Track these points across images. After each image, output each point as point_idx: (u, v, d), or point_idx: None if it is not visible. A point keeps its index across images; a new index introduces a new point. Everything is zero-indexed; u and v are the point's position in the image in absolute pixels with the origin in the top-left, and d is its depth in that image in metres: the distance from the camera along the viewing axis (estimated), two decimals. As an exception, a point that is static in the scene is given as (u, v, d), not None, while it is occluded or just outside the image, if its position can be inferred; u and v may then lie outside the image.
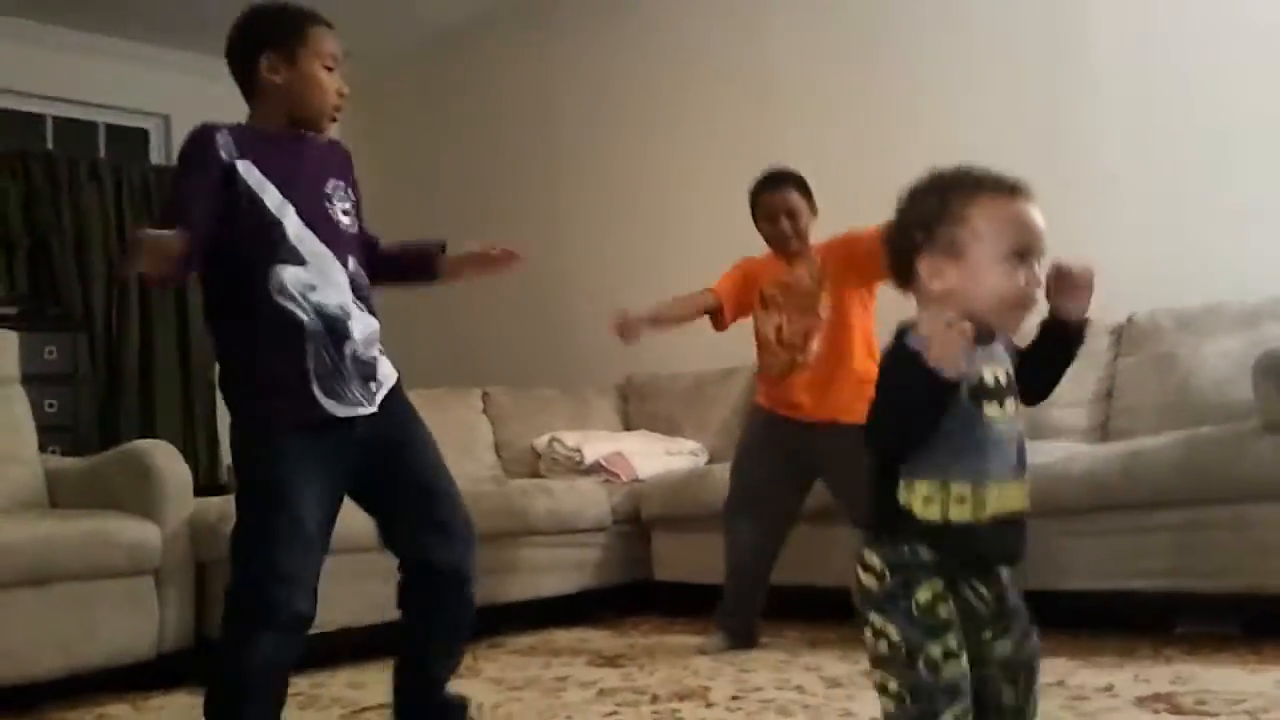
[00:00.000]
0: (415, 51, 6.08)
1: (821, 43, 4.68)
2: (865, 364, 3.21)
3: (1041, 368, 1.49)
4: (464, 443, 4.55)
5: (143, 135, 6.11)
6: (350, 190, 2.21)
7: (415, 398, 4.79)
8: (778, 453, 3.31)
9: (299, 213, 2.05)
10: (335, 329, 2.06)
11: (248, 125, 2.12)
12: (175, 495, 3.28)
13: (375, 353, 2.15)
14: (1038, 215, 1.41)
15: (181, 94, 5.75)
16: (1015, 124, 4.07)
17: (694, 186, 5.00)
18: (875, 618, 1.39)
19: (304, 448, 2.03)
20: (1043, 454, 3.22)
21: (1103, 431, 3.59)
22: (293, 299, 2.02)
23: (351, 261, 2.12)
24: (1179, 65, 3.80)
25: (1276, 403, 2.75)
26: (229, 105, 2.23)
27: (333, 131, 2.23)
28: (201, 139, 2.02)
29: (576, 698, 2.74)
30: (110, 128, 6.00)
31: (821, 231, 3.35)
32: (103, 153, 5.87)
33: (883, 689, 1.38)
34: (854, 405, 2.79)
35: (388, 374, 2.20)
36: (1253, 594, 2.83)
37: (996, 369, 1.42)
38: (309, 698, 2.91)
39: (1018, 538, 1.43)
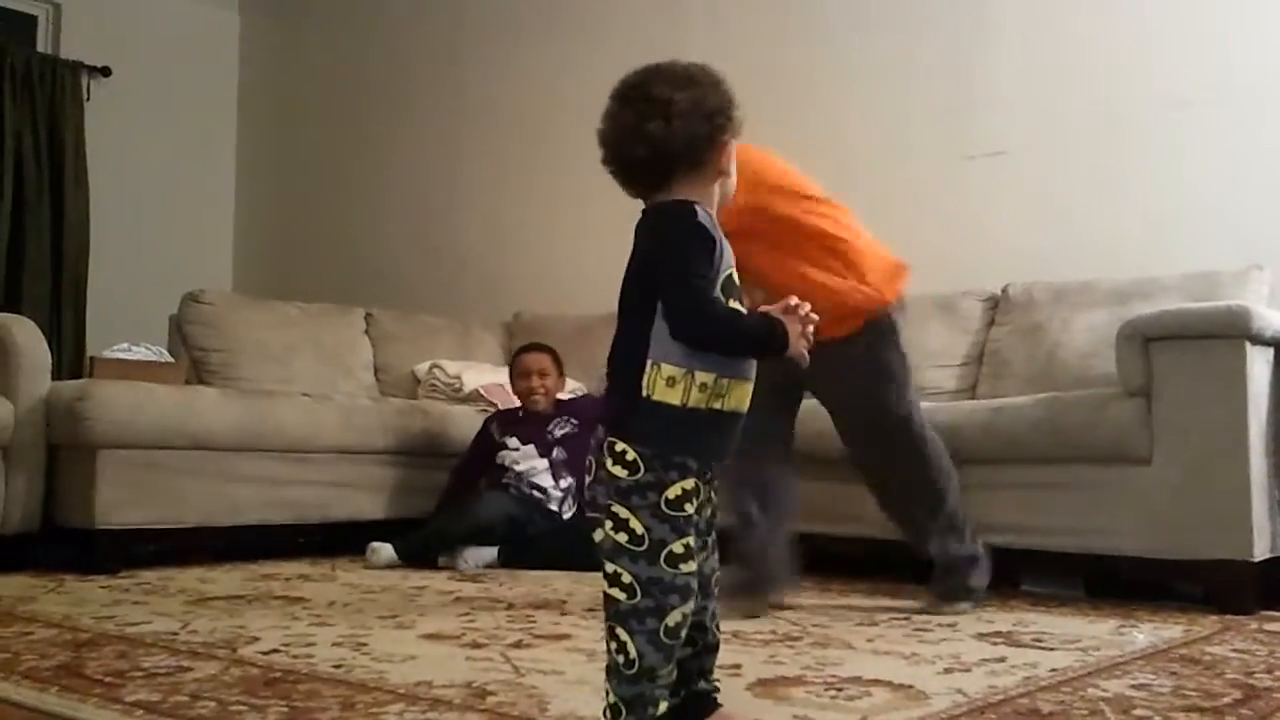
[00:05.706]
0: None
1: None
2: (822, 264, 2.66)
3: None
4: (342, 361, 4.47)
5: (30, 21, 5.82)
6: None
7: (295, 311, 4.69)
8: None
9: None
10: None
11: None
12: (31, 373, 3.17)
13: None
14: None
15: (75, -18, 5.54)
16: (912, 96, 4.12)
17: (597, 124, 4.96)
18: (621, 509, 1.38)
19: None
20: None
21: (971, 395, 3.69)
22: None
23: None
24: (1074, 45, 3.90)
25: (1136, 368, 2.85)
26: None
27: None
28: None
29: (432, 602, 2.72)
30: (-4, 9, 5.71)
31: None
32: (-15, 34, 5.58)
33: (614, 580, 1.37)
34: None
35: None
36: (1096, 554, 2.93)
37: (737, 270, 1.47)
38: (156, 587, 2.84)
39: (736, 435, 1.47)
